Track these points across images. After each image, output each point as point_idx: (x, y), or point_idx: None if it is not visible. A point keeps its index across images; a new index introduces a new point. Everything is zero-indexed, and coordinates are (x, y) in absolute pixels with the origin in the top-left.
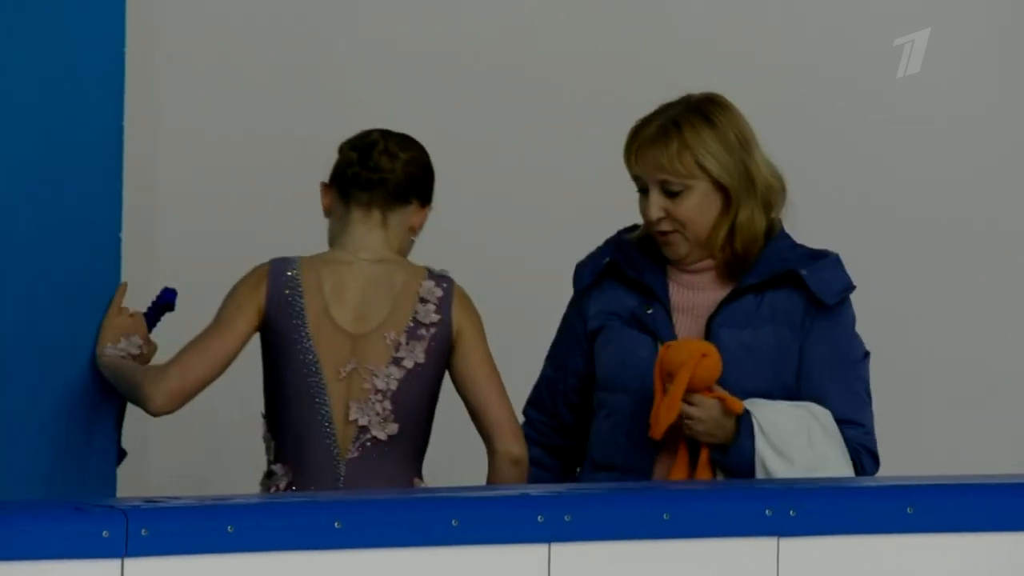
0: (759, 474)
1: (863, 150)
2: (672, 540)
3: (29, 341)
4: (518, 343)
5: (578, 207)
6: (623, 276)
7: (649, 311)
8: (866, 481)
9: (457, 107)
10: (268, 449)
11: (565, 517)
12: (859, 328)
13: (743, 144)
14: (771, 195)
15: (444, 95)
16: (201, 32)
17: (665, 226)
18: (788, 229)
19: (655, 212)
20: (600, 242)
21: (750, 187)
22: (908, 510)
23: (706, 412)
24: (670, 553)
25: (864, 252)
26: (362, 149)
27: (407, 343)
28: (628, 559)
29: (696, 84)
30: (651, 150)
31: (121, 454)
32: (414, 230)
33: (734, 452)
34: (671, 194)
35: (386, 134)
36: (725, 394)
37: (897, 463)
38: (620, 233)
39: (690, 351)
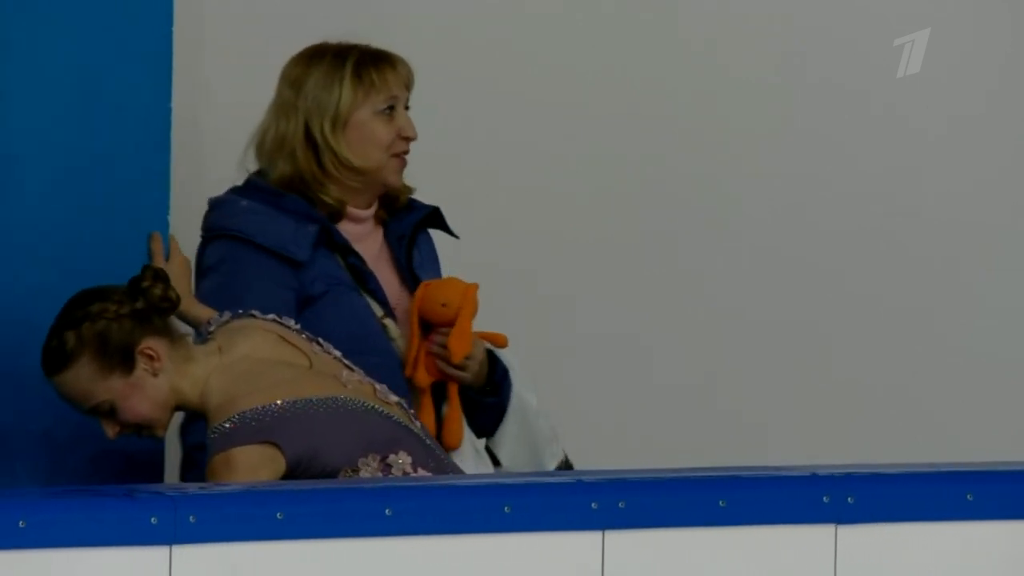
0: (515, 411)
1: (872, 155)
2: (728, 527)
3: None
4: (528, 351)
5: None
6: (330, 241)
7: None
8: (925, 467)
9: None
10: None
11: (620, 504)
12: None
13: None
14: None
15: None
16: (248, 9)
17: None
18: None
19: (414, 129)
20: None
21: None
22: (968, 496)
23: (479, 350)
24: (726, 540)
25: (871, 250)
26: None
27: None
28: (683, 546)
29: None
30: (405, 66)
31: None
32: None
33: (505, 388)
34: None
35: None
36: (488, 332)
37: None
38: (261, 195)
39: (457, 287)
